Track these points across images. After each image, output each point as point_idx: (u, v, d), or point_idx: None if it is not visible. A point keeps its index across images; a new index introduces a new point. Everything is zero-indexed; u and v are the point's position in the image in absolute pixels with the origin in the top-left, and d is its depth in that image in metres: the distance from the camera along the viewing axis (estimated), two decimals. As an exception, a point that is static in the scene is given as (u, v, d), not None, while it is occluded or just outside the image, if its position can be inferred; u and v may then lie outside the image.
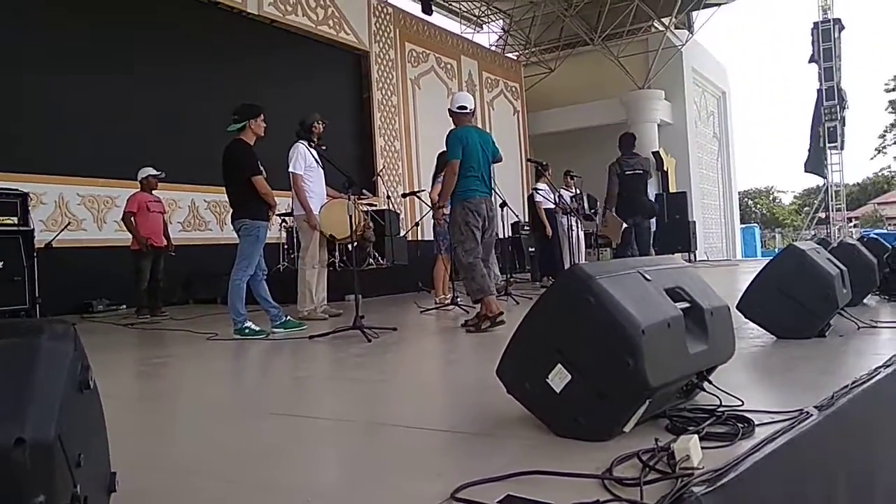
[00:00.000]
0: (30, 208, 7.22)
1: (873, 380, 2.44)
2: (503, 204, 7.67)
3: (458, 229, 4.74)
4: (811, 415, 2.03)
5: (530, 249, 11.78)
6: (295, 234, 8.81)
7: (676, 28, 17.55)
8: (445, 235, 7.10)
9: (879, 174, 42.70)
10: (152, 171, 7.44)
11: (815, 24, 17.22)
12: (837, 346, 3.31)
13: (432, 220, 7.27)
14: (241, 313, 4.90)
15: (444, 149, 8.02)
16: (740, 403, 2.13)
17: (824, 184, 18.62)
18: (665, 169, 16.83)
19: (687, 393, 2.22)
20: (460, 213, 4.74)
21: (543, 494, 1.54)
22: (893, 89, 33.88)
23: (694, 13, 17.72)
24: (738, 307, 3.63)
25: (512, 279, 8.46)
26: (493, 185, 5.04)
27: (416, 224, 9.71)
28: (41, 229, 7.63)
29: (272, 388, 3.41)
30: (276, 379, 3.74)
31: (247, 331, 4.89)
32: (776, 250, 30.24)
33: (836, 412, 2.11)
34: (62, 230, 7.53)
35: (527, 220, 11.40)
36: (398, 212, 11.49)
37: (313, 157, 6.03)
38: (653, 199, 8.92)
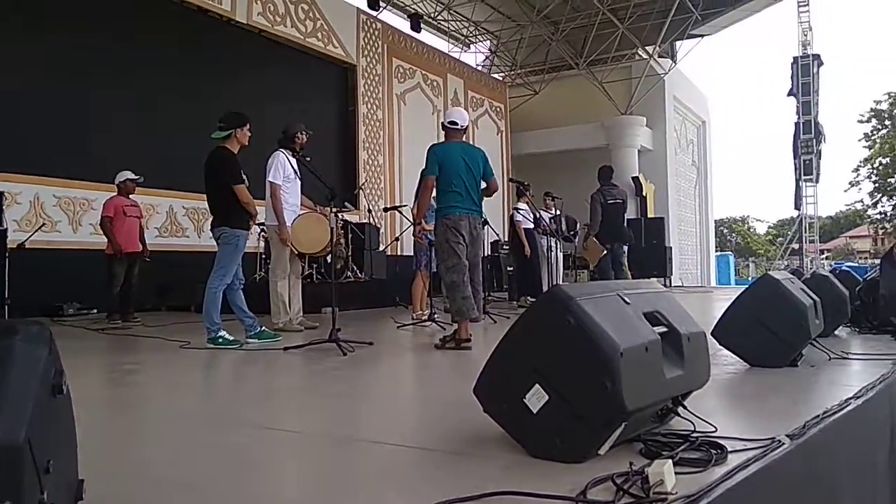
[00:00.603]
0: (4, 207, 7.12)
1: (843, 410, 2.48)
2: (484, 223, 7.69)
3: (440, 247, 4.71)
4: (783, 443, 2.05)
5: (509, 269, 11.82)
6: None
7: (660, 56, 17.86)
8: (425, 251, 7.11)
9: (851, 207, 43.58)
10: (130, 175, 7.35)
11: (795, 58, 17.63)
12: (809, 376, 3.36)
13: (413, 236, 7.31)
14: (215, 322, 4.84)
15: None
16: (714, 430, 2.15)
17: (799, 215, 18.96)
18: (644, 194, 17.04)
19: (662, 417, 2.24)
20: (440, 230, 4.70)
21: (517, 516, 1.54)
22: (867, 121, 34.67)
23: (677, 43, 18.06)
24: (712, 334, 3.66)
25: (490, 298, 8.47)
26: (480, 204, 4.95)
27: (397, 239, 9.70)
28: (14, 229, 7.50)
29: (244, 399, 3.36)
30: (249, 390, 3.68)
31: (220, 340, 4.82)
32: (750, 279, 30.70)
33: (808, 441, 2.14)
34: (36, 231, 7.40)
35: (506, 239, 11.44)
36: (378, 226, 11.47)
37: (293, 167, 5.96)
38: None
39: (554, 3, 16.16)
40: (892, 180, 34.33)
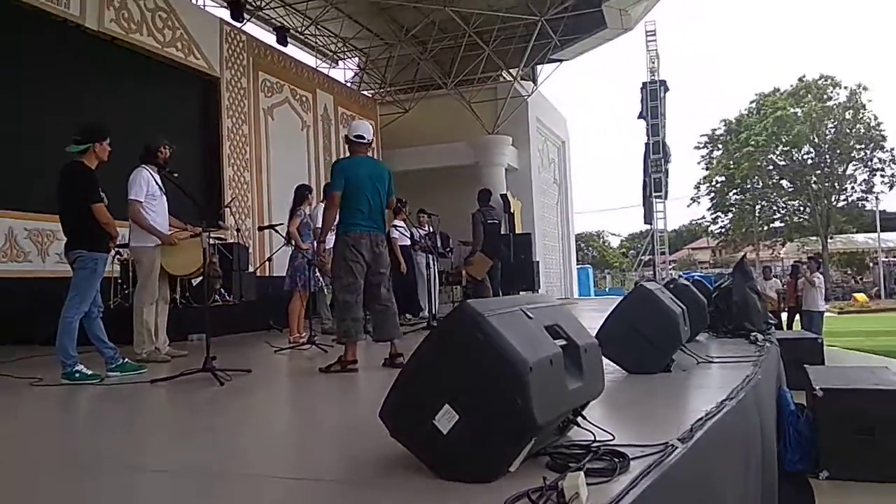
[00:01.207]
0: None
1: (722, 411, 2.64)
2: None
3: (336, 264, 4.52)
4: (676, 447, 2.14)
5: (385, 286, 11.73)
6: (132, 268, 8.14)
7: (523, 79, 18.62)
8: (302, 271, 6.89)
9: (694, 222, 47.65)
10: None
11: (644, 84, 19.06)
12: (682, 381, 3.57)
13: (290, 255, 7.04)
14: (71, 355, 4.37)
15: (302, 182, 7.92)
16: (612, 438, 2.20)
17: (650, 229, 20.42)
18: (512, 211, 17.58)
19: (563, 429, 2.26)
20: (339, 247, 4.52)
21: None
22: (703, 146, 38.21)
23: (539, 66, 18.92)
24: (594, 344, 3.80)
25: (369, 317, 8.35)
26: (383, 222, 4.85)
27: (269, 259, 9.34)
28: None
29: (109, 439, 3.01)
30: (114, 429, 3.32)
31: (77, 375, 4.35)
32: (607, 290, 32.62)
33: (696, 443, 2.25)
34: None
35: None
36: (247, 245, 11.01)
37: (157, 184, 5.54)
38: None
39: (422, 24, 16.40)
40: (727, 197, 38.00)
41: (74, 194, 4.47)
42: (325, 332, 7.42)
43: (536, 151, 19.90)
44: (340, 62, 18.57)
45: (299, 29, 16.02)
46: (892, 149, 34.80)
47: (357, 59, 18.73)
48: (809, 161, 35.69)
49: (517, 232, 17.20)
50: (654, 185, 18.81)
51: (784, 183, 36.59)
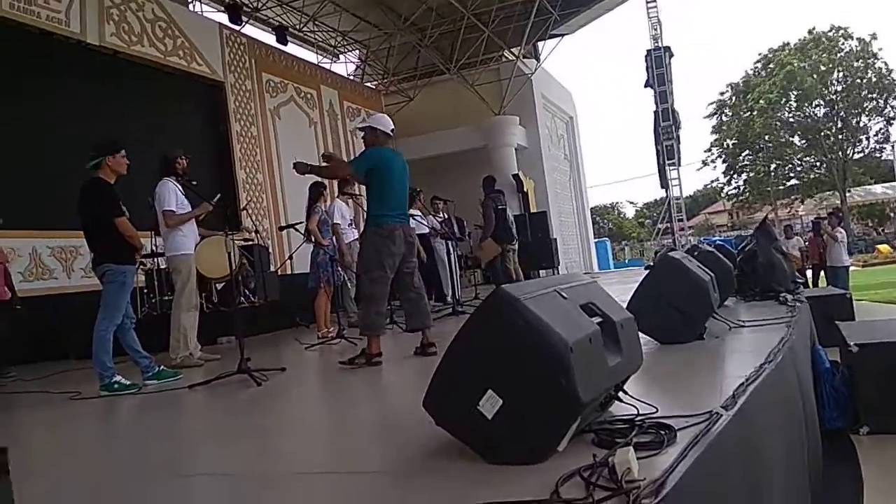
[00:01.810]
0: None
1: (762, 375, 2.63)
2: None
3: (367, 256, 4.46)
4: (720, 415, 2.14)
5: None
6: (157, 277, 8.23)
7: (525, 57, 18.46)
8: (325, 267, 6.93)
9: (708, 186, 47.18)
10: None
11: (648, 51, 18.83)
12: (717, 348, 3.55)
13: (311, 253, 7.09)
14: (108, 367, 4.44)
15: (314, 179, 7.93)
16: (655, 410, 2.21)
17: (666, 197, 20.26)
18: (525, 190, 17.53)
19: (604, 406, 2.27)
20: (372, 239, 4.45)
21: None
22: (714, 113, 37.78)
23: (540, 43, 18.75)
24: (624, 317, 3.80)
25: (393, 305, 8.40)
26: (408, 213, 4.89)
27: (290, 257, 9.40)
28: None
29: (156, 447, 3.07)
30: (159, 436, 3.37)
31: (116, 386, 4.43)
32: (626, 262, 32.46)
33: (740, 409, 2.25)
34: None
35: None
36: (266, 245, 11.07)
37: (182, 194, 5.66)
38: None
39: (419, 11, 16.29)
40: (740, 158, 37.56)
41: (96, 210, 4.52)
42: (353, 326, 7.47)
43: (545, 129, 19.77)
44: (342, 56, 18.52)
45: (298, 26, 15.98)
46: (907, 96, 34.18)
47: (358, 51, 18.66)
48: (822, 115, 35.14)
49: (532, 211, 17.17)
50: (667, 152, 18.63)
51: (797, 140, 36.07)
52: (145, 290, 8.53)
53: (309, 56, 16.40)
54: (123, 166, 4.64)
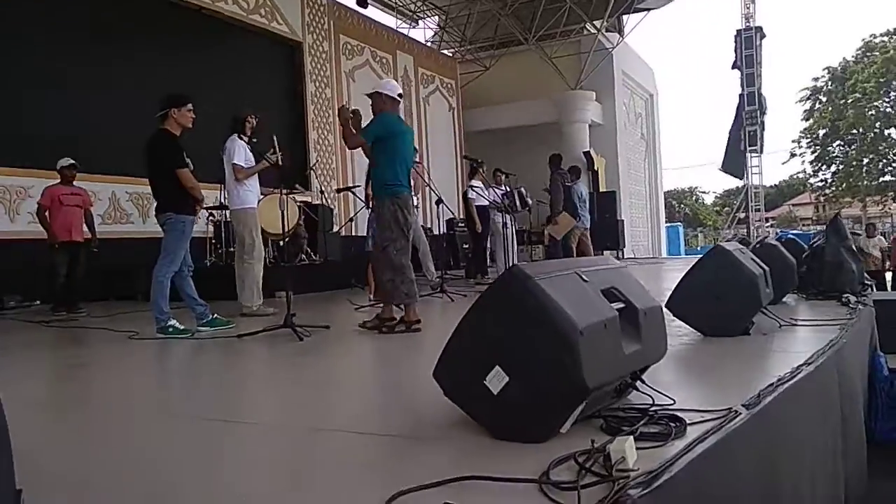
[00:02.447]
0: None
1: (796, 377, 2.53)
2: (438, 201, 7.67)
3: (389, 227, 4.46)
4: (739, 413, 2.08)
5: (465, 246, 11.81)
6: (225, 229, 8.55)
7: (607, 31, 17.93)
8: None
9: (794, 177, 44.97)
10: (65, 162, 7.04)
11: (738, 31, 17.93)
12: (761, 344, 3.43)
13: (368, 217, 7.20)
14: (164, 311, 4.68)
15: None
16: (672, 402, 2.16)
17: (744, 185, 19.44)
18: (595, 168, 17.19)
19: (620, 392, 2.24)
20: (390, 209, 4.46)
21: (480, 500, 1.52)
22: (808, 98, 35.66)
23: (624, 17, 18.15)
24: (666, 305, 3.71)
25: (447, 276, 8.46)
26: None
27: (351, 220, 9.57)
28: (-56, 220, 7.13)
29: (198, 390, 3.26)
30: (203, 381, 3.57)
31: (171, 329, 4.67)
32: (699, 248, 31.50)
33: (763, 410, 2.17)
34: (-32, 222, 7.05)
35: (461, 216, 11.43)
36: (332, 207, 11.30)
37: (250, 150, 5.89)
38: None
39: (502, -22, 16.05)
40: (830, 149, 35.47)
41: (159, 161, 4.72)
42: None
43: (622, 106, 19.24)
44: (420, 22, 18.46)
45: (379, -11, 16.01)
46: None
47: (437, 17, 18.55)
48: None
49: (601, 190, 16.84)
50: (749, 138, 17.79)
51: (893, 133, 33.72)
52: (213, 241, 8.90)
53: (387, 20, 16.43)
54: (189, 120, 4.80)
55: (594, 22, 17.35)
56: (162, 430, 2.39)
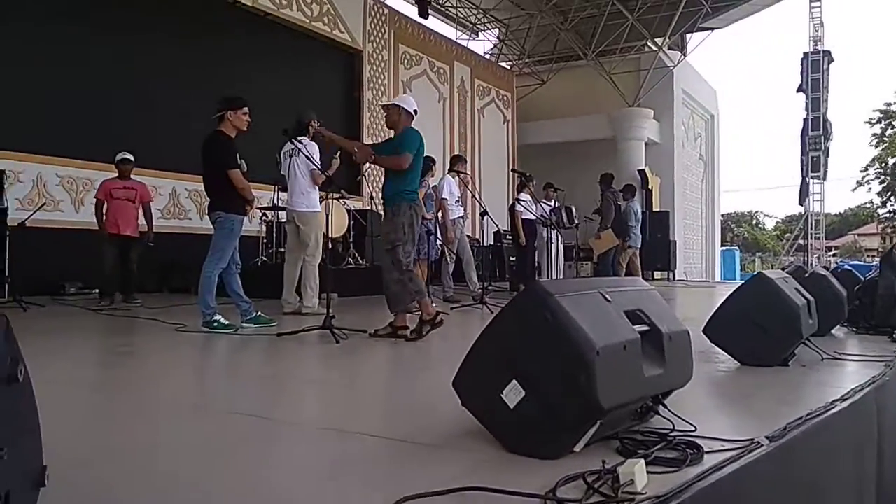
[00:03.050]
0: (5, 186, 7.15)
1: (828, 413, 2.46)
2: (483, 213, 7.70)
3: (402, 229, 4.57)
4: (761, 444, 2.04)
5: (511, 259, 11.81)
6: (277, 229, 8.77)
7: (669, 49, 17.70)
8: (423, 240, 7.12)
9: (862, 206, 43.31)
10: (121, 156, 7.32)
11: (805, 54, 17.44)
12: (799, 376, 3.34)
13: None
14: (210, 306, 4.85)
15: (435, 153, 8.11)
16: (693, 429, 2.14)
17: (805, 212, 18.83)
18: (649, 187, 16.94)
19: (641, 415, 2.23)
20: (407, 213, 4.60)
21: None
22: (877, 122, 34.34)
23: (687, 35, 17.89)
24: (704, 331, 3.65)
25: (489, 287, 8.48)
26: None
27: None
28: (16, 208, 7.53)
29: (234, 385, 3.37)
30: (239, 376, 3.69)
31: (215, 324, 4.84)
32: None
33: (788, 444, 2.12)
34: (37, 210, 7.42)
35: (508, 229, 11.44)
36: (380, 213, 11.45)
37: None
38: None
39: (564, -7, 16.04)
40: (901, 178, 34.04)
41: (213, 161, 4.90)
42: (447, 300, 7.64)
43: (681, 125, 18.94)
44: (480, 34, 18.58)
45: (440, 1, 16.19)
46: None
47: (497, 30, 18.65)
48: None
49: (654, 209, 16.58)
50: (812, 164, 17.26)
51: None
52: (264, 240, 9.13)
53: (447, 31, 16.62)
54: (244, 123, 4.97)
55: (656, 39, 17.16)
56: (190, 418, 2.49)
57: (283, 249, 8.81)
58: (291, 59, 11.20)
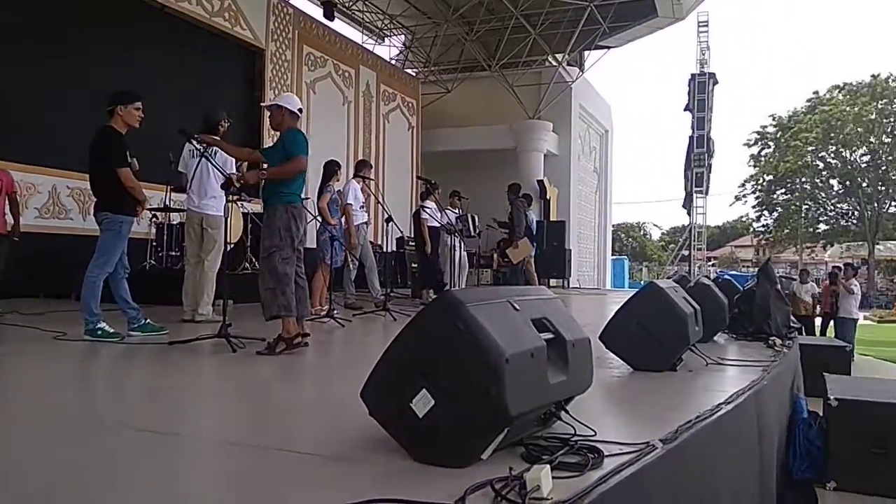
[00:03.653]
0: None
1: (715, 415, 2.62)
2: (388, 219, 7.68)
3: (278, 234, 4.30)
4: (656, 447, 2.14)
5: (413, 265, 11.83)
6: (168, 232, 8.36)
7: (568, 65, 18.38)
8: (327, 246, 7.01)
9: (738, 220, 46.65)
10: None
11: (693, 75, 18.62)
12: (686, 381, 3.53)
13: (317, 230, 7.17)
14: (94, 313, 4.53)
15: (333, 158, 7.99)
16: (593, 433, 2.21)
17: (689, 224, 20.06)
18: (547, 197, 17.49)
19: (544, 421, 2.28)
20: (283, 217, 4.35)
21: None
22: (753, 144, 37.22)
23: (585, 52, 18.63)
24: (600, 337, 3.79)
25: (392, 294, 8.46)
26: None
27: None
28: None
29: (124, 397, 3.17)
30: (130, 387, 3.47)
31: (100, 332, 4.52)
32: (642, 282, 32.28)
33: (680, 445, 2.24)
34: None
35: (411, 235, 11.46)
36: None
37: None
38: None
39: (469, 4, 16.29)
40: (775, 196, 37.02)
41: (101, 158, 4.59)
42: (349, 307, 7.55)
43: (577, 138, 19.68)
44: (386, 39, 18.57)
45: (347, 3, 16.05)
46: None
47: (403, 36, 18.70)
48: (864, 164, 34.47)
49: (551, 219, 17.12)
50: (696, 179, 18.43)
51: (835, 184, 35.46)
52: (154, 243, 8.68)
53: (353, 35, 16.47)
54: (135, 118, 4.69)
55: (556, 55, 17.76)
56: (80, 436, 2.31)
57: (174, 253, 8.45)
58: (190, 55, 10.72)
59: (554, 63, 17.98)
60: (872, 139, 33.37)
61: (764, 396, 3.41)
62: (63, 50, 8.69)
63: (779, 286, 5.56)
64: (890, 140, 33.57)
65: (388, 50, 18.64)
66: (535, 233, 10.57)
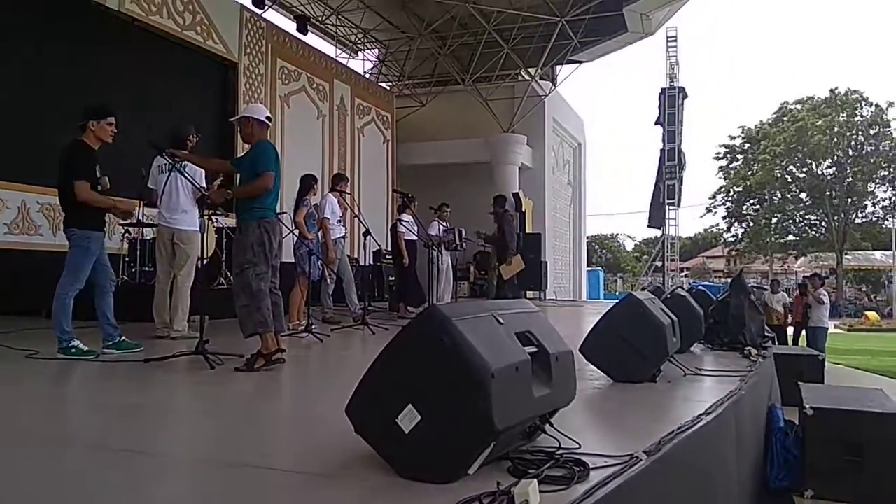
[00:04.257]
0: None
1: (696, 426, 2.64)
2: (366, 233, 7.66)
3: (251, 250, 4.24)
4: (640, 459, 2.15)
5: (390, 279, 11.79)
6: (141, 247, 8.23)
7: (541, 79, 18.56)
8: (305, 260, 6.96)
9: (709, 231, 47.37)
10: None
11: (663, 89, 18.94)
12: (666, 392, 3.56)
13: (294, 244, 7.12)
14: (66, 331, 4.42)
15: (308, 172, 7.95)
16: (578, 447, 2.22)
17: (661, 236, 20.32)
18: (523, 210, 17.57)
19: (529, 435, 2.28)
20: (255, 232, 4.27)
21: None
22: (723, 156, 37.92)
23: (558, 67, 18.84)
24: (580, 350, 3.81)
25: (371, 308, 8.41)
26: None
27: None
28: None
29: (100, 416, 3.09)
30: (106, 406, 3.38)
31: (73, 350, 4.42)
32: (617, 293, 32.57)
33: (663, 457, 2.26)
34: None
35: (388, 249, 11.44)
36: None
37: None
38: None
39: (443, 18, 16.40)
40: (745, 208, 37.72)
41: (67, 172, 4.49)
42: (326, 321, 7.49)
43: (551, 152, 19.85)
44: (359, 53, 18.59)
45: (320, 18, 16.06)
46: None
47: (376, 50, 18.75)
48: (830, 176, 35.31)
49: (527, 231, 17.20)
50: (668, 191, 18.71)
51: (803, 196, 36.25)
52: (126, 259, 8.54)
53: (327, 49, 16.47)
54: (108, 134, 4.60)
55: (529, 69, 17.94)
56: (48, 455, 2.26)
57: (147, 269, 8.31)
58: (162, 69, 10.62)
59: (527, 77, 18.15)
60: (839, 152, 34.22)
61: (742, 406, 3.45)
62: (32, 63, 8.56)
63: (752, 296, 5.64)
64: (854, 153, 34.46)
65: (362, 64, 18.67)
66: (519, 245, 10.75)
